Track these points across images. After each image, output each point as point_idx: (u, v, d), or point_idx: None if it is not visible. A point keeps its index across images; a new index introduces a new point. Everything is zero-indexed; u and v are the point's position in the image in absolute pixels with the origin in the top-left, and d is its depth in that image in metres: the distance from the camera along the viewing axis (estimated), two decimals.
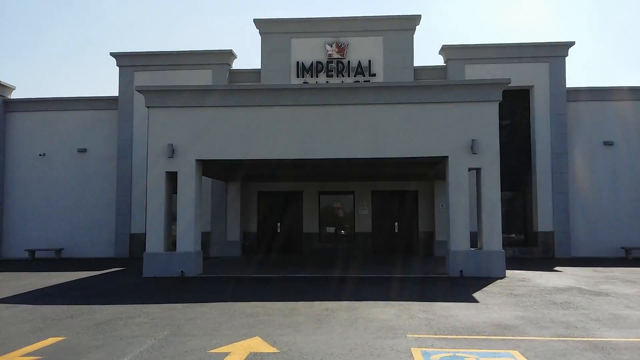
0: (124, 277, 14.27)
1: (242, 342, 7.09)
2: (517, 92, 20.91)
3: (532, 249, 20.44)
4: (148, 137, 14.35)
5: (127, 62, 21.79)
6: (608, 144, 20.60)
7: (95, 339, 7.37)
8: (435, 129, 13.85)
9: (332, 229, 22.06)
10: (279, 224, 22.16)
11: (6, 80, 22.30)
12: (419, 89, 14.15)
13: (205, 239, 21.18)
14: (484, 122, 13.76)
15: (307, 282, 12.84)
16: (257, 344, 6.96)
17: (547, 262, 18.12)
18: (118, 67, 21.93)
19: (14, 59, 79.71)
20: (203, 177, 21.08)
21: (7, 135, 22.18)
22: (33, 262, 19.76)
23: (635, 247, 19.62)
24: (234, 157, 14.21)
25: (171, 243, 14.48)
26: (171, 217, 14.66)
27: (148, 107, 14.37)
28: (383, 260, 18.48)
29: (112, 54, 21.93)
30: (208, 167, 16.06)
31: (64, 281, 13.53)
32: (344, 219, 22.10)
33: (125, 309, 9.56)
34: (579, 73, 71.17)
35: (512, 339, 7.09)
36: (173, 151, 14.07)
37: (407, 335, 7.30)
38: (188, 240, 13.95)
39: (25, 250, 21.26)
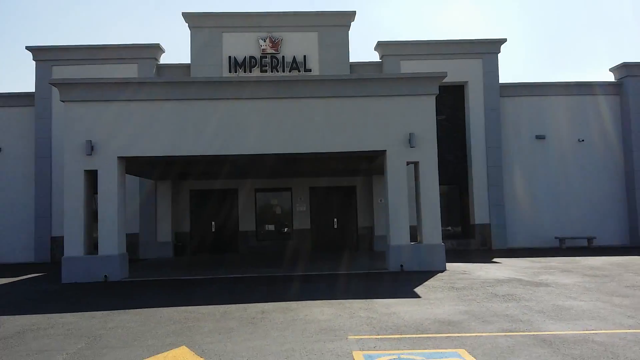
0: (41, 283, 13.06)
1: (167, 353, 6.36)
2: (452, 88, 21.00)
3: (469, 241, 20.59)
4: (65, 133, 13.18)
5: (45, 56, 20.24)
6: (540, 137, 21.03)
7: None
8: (373, 123, 13.49)
9: (270, 227, 21.40)
10: (213, 223, 21.27)
11: None
12: (355, 82, 13.73)
13: (134, 240, 20.07)
14: (421, 115, 13.53)
15: (241, 283, 12.15)
16: (183, 355, 6.25)
17: (485, 253, 18.23)
18: (35, 62, 20.34)
19: None
20: (130, 175, 19.98)
21: None
22: None
23: (568, 237, 20.11)
24: (158, 154, 13.28)
25: (93, 246, 13.41)
26: (92, 218, 13.57)
27: (63, 101, 13.20)
28: (322, 256, 18.01)
29: (27, 48, 20.29)
30: (133, 165, 15.05)
31: None
32: (282, 216, 21.48)
33: (38, 319, 8.57)
34: (511, 69, 73.70)
35: (458, 336, 6.74)
36: (92, 148, 12.99)
37: (348, 337, 6.80)
38: (111, 242, 12.93)
39: None
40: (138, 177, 20.07)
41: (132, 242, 20.24)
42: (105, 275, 12.81)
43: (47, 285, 12.58)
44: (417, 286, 10.83)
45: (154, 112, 13.29)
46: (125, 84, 13.36)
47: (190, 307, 9.16)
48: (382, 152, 13.74)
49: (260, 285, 11.70)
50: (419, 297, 9.62)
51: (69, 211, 12.91)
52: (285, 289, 11.09)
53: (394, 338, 6.71)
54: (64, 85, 13.10)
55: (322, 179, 21.21)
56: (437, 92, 13.59)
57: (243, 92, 13.45)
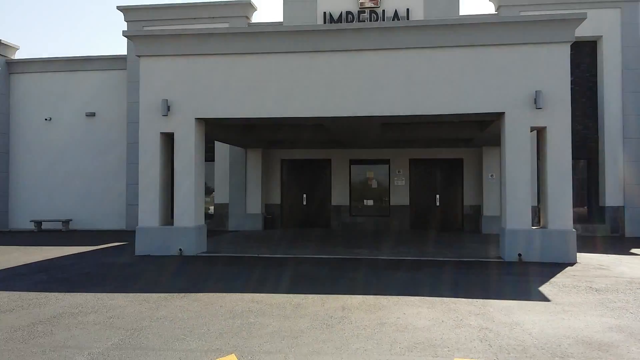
0: (116, 254, 12.24)
1: None
2: (582, 44, 17.74)
3: (597, 226, 17.49)
4: (140, 92, 12.09)
5: (136, 16, 19.57)
6: None
7: (10, 349, 5.21)
8: (489, 79, 11.10)
9: (365, 202, 19.60)
10: (305, 196, 19.83)
11: (9, 40, 20.42)
12: (468, 28, 11.32)
13: (224, 211, 19.19)
14: (552, 69, 10.92)
15: (327, 265, 10.49)
16: None
17: (617, 242, 15.24)
18: (126, 23, 19.75)
19: (16, 16, 78.39)
20: (220, 143, 18.98)
21: (11, 99, 20.42)
22: (38, 234, 18.12)
23: None
24: (240, 116, 11.81)
25: (170, 216, 12.35)
26: (170, 186, 12.50)
27: (139, 56, 12.08)
28: (422, 238, 15.95)
29: (119, 8, 19.73)
30: (215, 129, 13.78)
31: (46, 258, 11.61)
32: (378, 191, 19.58)
33: (86, 299, 7.44)
34: None
35: None
36: (168, 108, 11.79)
37: None
38: (187, 213, 11.76)
39: (31, 221, 19.66)
40: (228, 145, 19.06)
41: (221, 213, 19.39)
42: (180, 249, 11.70)
43: (119, 257, 11.69)
44: (542, 284, 8.54)
45: (236, 67, 11.81)
46: (206, 35, 11.93)
47: (259, 295, 7.62)
48: (499, 115, 11.34)
49: (348, 270, 9.95)
50: (547, 300, 7.39)
51: (143, 178, 11.89)
52: (376, 277, 9.25)
53: None
54: (139, 37, 11.96)
55: (423, 150, 19.01)
56: (573, 39, 10.87)
57: (335, 43, 11.56)
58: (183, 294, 7.78)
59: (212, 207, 19.74)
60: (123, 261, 11.08)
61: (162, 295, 7.70)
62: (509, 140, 11.01)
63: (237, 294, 7.77)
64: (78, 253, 12.55)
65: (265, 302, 7.22)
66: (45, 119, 20.16)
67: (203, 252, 12.14)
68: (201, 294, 7.79)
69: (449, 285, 8.51)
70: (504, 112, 11.06)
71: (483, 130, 14.54)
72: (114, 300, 7.36)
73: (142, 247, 11.82)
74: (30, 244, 14.67)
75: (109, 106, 19.96)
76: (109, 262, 11.07)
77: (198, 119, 11.95)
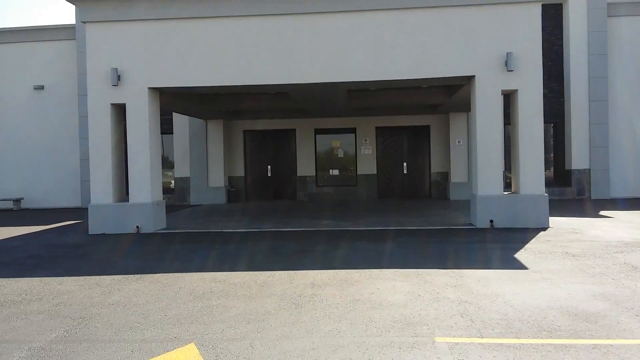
0: (68, 234, 11.48)
1: (163, 356, 4.27)
2: (548, 7, 17.45)
3: (565, 189, 17.52)
4: (87, 61, 11.18)
5: None
6: None
7: None
8: (458, 41, 10.63)
9: (331, 172, 19.14)
10: (269, 167, 19.25)
11: None
12: None
13: (185, 185, 18.47)
14: (522, 30, 10.51)
15: (293, 238, 10.02)
16: None
17: (585, 204, 15.24)
18: None
19: None
20: (179, 114, 18.12)
21: None
22: None
23: None
24: (198, 84, 11.06)
25: (126, 192, 11.63)
26: (124, 160, 11.74)
27: (83, 22, 11.13)
28: (390, 206, 15.63)
29: None
30: (172, 100, 12.98)
31: None
32: (345, 160, 19.14)
33: (31, 285, 6.78)
34: None
35: (611, 344, 4.25)
36: (119, 77, 10.95)
37: (436, 340, 4.46)
38: (143, 188, 11.05)
39: None
40: (187, 117, 18.23)
41: (182, 187, 18.67)
42: (137, 226, 11.03)
43: (71, 237, 10.95)
44: (517, 251, 8.27)
45: (192, 33, 11.01)
46: None
47: (222, 274, 7.09)
48: (469, 79, 10.93)
49: (316, 243, 9.50)
50: (525, 268, 7.10)
51: (94, 153, 11.09)
52: (346, 249, 8.83)
53: (511, 345, 4.30)
54: (84, 2, 10.98)
55: (390, 118, 18.61)
56: None
57: (295, 6, 10.87)
58: (138, 275, 7.20)
59: (173, 182, 18.97)
60: (75, 241, 10.36)
61: (116, 277, 7.10)
62: (480, 104, 10.63)
63: (198, 273, 7.23)
64: (27, 234, 11.74)
65: (229, 281, 6.70)
66: None
67: (162, 229, 11.50)
68: (158, 274, 7.22)
69: (421, 255, 8.16)
70: (474, 76, 10.64)
71: (451, 95, 14.16)
72: (62, 285, 6.73)
73: (95, 225, 11.10)
74: None
75: (59, 78, 18.78)
76: (60, 242, 10.33)
77: (152, 89, 11.15)
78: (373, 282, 6.46)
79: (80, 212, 16.40)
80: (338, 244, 9.34)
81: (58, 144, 18.77)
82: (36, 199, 18.83)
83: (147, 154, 11.02)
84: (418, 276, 6.70)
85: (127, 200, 11.37)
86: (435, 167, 18.67)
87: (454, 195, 17.83)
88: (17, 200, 18.46)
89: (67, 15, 69.51)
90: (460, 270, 7.00)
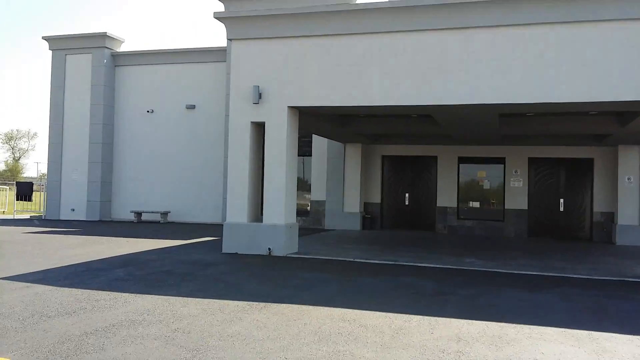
0: (203, 251, 11.47)
1: None
2: None
3: None
4: (230, 78, 11.21)
5: (237, 5, 18.98)
6: None
7: None
8: (630, 59, 8.95)
9: (474, 204, 17.68)
10: (407, 195, 18.28)
11: (114, 33, 20.71)
12: None
13: (321, 209, 18.15)
14: None
15: (433, 277, 8.95)
16: None
17: None
18: (222, 4, 19.23)
19: (120, 9, 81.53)
20: (319, 137, 17.92)
21: (116, 91, 20.69)
22: (137, 225, 18.12)
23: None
24: (337, 104, 10.52)
25: (260, 213, 11.39)
26: (261, 180, 11.54)
27: (230, 39, 11.21)
28: (543, 248, 13.85)
29: None
30: (311, 120, 12.63)
31: (130, 252, 11.06)
32: (491, 193, 17.57)
33: (155, 304, 6.52)
34: None
35: None
36: (260, 95, 10.78)
37: None
38: (277, 209, 10.71)
39: (131, 212, 19.79)
40: (326, 140, 17.98)
41: (317, 210, 18.38)
42: (269, 248, 10.68)
43: (205, 255, 10.88)
44: None
45: (333, 50, 10.56)
46: (302, 15, 10.77)
47: (351, 312, 6.29)
48: None
49: (458, 284, 8.36)
50: None
51: (232, 170, 11.01)
52: (495, 296, 7.60)
53: None
54: (230, 19, 11.06)
55: (545, 148, 16.78)
56: None
57: (447, 20, 9.95)
58: (263, 303, 6.64)
59: (309, 205, 18.76)
60: (208, 259, 10.23)
61: (240, 304, 6.60)
62: None
63: (326, 307, 6.49)
64: (166, 247, 11.96)
65: (359, 321, 5.88)
66: (147, 111, 20.22)
67: (293, 253, 11.05)
68: (284, 305, 6.60)
69: (592, 312, 6.68)
70: None
71: (624, 125, 12.22)
72: (185, 308, 6.37)
73: (229, 244, 10.95)
74: (124, 235, 14.42)
75: (209, 98, 19.61)
76: (193, 259, 10.27)
77: (291, 107, 10.85)
78: (534, 343, 5.24)
79: (219, 229, 16.67)
80: (485, 288, 8.11)
81: (205, 161, 19.50)
82: (182, 212, 19.67)
83: (282, 174, 10.69)
84: (593, 341, 5.34)
85: (262, 221, 11.09)
86: (599, 206, 16.39)
87: (621, 239, 15.44)
88: (164, 214, 19.40)
89: (222, 37, 74.95)
90: None
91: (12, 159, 74.70)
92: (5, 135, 74.16)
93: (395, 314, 6.25)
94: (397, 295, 7.41)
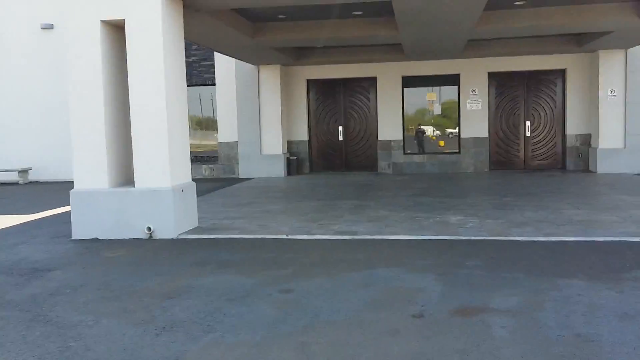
0: (44, 237, 7.10)
1: None
2: None
3: None
4: None
5: None
6: None
7: None
8: None
9: (424, 135, 14.38)
10: (340, 129, 14.61)
11: None
12: None
13: (231, 153, 14.21)
14: None
15: (429, 269, 5.38)
16: None
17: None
18: None
19: None
20: (223, 57, 13.62)
21: None
22: None
23: None
24: None
25: (131, 171, 7.22)
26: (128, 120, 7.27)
27: None
28: (513, 185, 10.76)
29: None
30: (205, 24, 8.36)
31: None
32: (442, 119, 14.25)
33: None
34: None
35: None
36: None
37: None
38: (157, 164, 6.57)
39: None
40: (234, 61, 13.73)
41: (228, 154, 14.39)
42: (149, 228, 6.62)
43: (45, 245, 6.59)
44: None
45: None
46: None
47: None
48: None
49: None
50: None
51: (77, 107, 6.67)
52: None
53: None
54: None
55: (508, 60, 13.49)
56: None
57: None
58: None
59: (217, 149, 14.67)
60: (41, 258, 5.96)
61: None
62: None
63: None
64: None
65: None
66: None
67: (190, 230, 7.05)
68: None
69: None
70: None
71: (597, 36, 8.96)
72: None
73: (82, 226, 6.75)
74: None
75: None
76: (17, 258, 5.97)
77: None
78: None
79: None
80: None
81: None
82: (47, 169, 14.93)
83: (162, 105, 6.50)
84: None
85: (132, 184, 6.93)
86: (573, 127, 13.52)
87: (602, 167, 12.71)
88: (24, 171, 14.60)
89: None
90: None
91: None
92: None
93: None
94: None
